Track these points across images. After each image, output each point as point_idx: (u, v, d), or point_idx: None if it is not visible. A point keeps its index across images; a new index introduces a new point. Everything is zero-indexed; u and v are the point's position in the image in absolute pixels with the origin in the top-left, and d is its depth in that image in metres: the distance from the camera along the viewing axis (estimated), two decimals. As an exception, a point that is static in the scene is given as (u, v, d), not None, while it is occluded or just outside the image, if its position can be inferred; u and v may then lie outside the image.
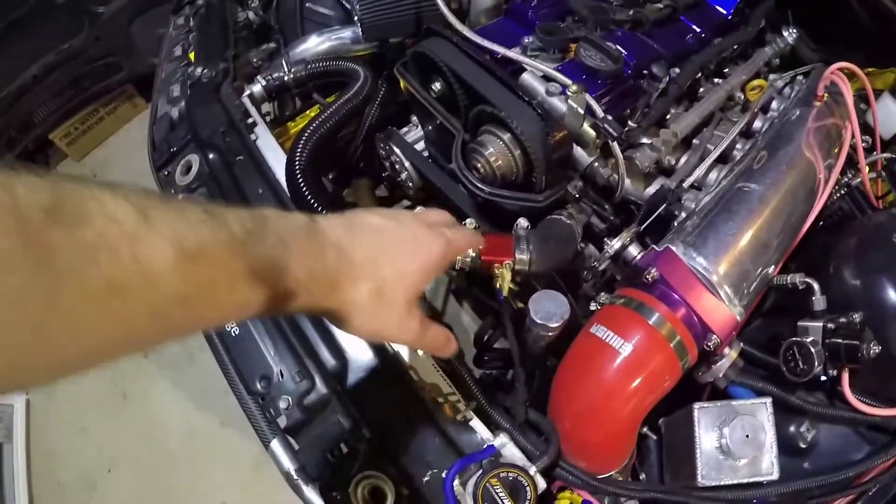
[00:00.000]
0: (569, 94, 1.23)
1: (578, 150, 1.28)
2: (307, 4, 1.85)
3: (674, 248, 1.11)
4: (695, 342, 1.03)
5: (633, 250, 1.17)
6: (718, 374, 1.11)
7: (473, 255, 1.02)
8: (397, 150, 1.51)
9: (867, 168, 1.50)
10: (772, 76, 1.75)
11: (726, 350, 1.10)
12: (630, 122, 1.31)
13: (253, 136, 1.43)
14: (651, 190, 1.33)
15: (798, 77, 1.78)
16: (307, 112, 1.64)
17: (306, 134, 1.34)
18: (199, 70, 1.62)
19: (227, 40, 1.68)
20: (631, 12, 1.54)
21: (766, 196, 1.26)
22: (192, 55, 1.76)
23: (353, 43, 1.72)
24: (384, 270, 0.73)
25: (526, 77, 1.35)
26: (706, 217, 1.20)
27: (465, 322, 2.40)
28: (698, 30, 1.67)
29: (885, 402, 1.13)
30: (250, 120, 1.47)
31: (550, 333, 1.07)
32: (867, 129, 1.64)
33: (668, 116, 1.44)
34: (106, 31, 3.08)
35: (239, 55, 1.75)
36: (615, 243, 1.20)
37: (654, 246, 1.15)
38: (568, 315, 1.04)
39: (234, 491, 2.54)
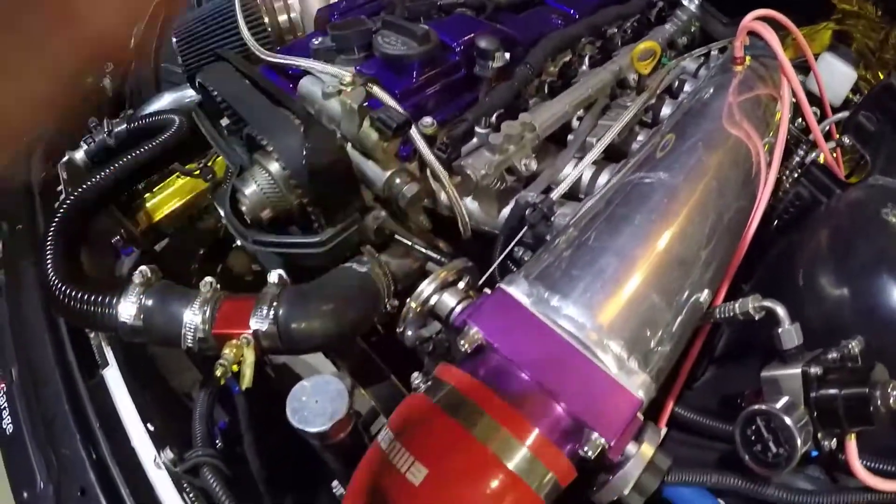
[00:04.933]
0: (342, 88, 0.82)
1: (371, 166, 0.85)
2: (163, 65, 1.78)
3: (511, 291, 0.66)
4: (561, 449, 0.58)
5: (450, 299, 0.72)
6: (624, 490, 0.65)
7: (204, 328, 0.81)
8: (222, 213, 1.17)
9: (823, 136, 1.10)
10: (682, 58, 1.36)
11: (630, 448, 0.63)
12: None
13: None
14: (508, 211, 0.90)
15: (713, 53, 1.40)
16: (167, 181, 1.47)
17: (76, 193, 1.12)
18: None
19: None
20: (467, -5, 1.16)
21: (676, 188, 0.87)
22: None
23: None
24: None
25: (304, 82, 1.02)
26: (581, 235, 0.77)
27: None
28: (571, 11, 1.29)
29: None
30: (59, 188, 1.34)
31: (327, 442, 0.77)
32: (811, 99, 1.26)
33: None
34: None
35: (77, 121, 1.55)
36: (423, 291, 0.75)
37: (486, 290, 0.70)
38: (343, 413, 0.76)
39: None
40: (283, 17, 1.41)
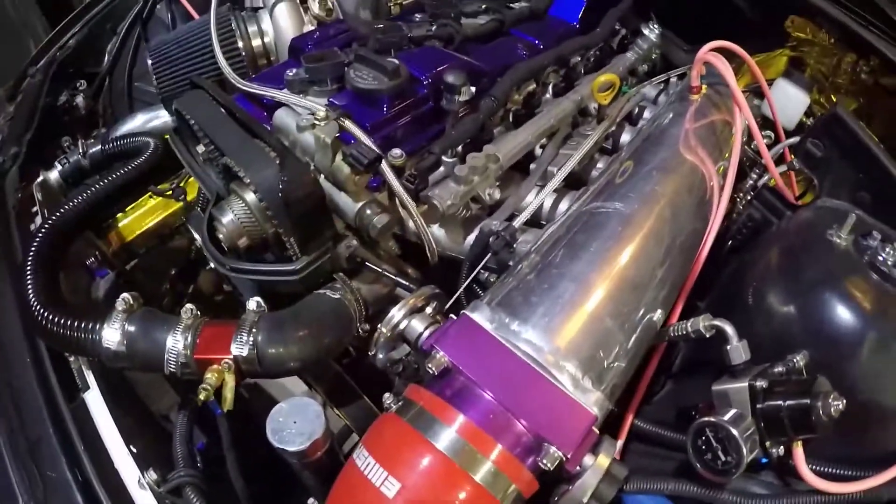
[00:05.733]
0: (316, 122, 0.86)
1: (343, 198, 0.89)
2: (136, 84, 1.78)
3: (475, 317, 0.71)
4: (522, 463, 0.63)
5: (418, 325, 0.76)
6: (582, 499, 0.68)
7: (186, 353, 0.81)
8: (196, 236, 1.21)
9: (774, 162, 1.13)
10: (643, 86, 1.42)
11: (587, 460, 0.67)
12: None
13: (33, 227, 1.23)
14: (472, 238, 0.94)
15: (672, 80, 1.46)
16: (139, 200, 1.46)
17: (54, 217, 1.09)
18: None
19: (29, 123, 1.51)
20: (434, 27, 1.20)
21: (632, 216, 0.91)
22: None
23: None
24: None
25: (279, 114, 1.04)
26: (541, 262, 0.81)
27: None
28: (536, 42, 1.34)
29: (855, 465, 0.83)
30: (34, 209, 1.29)
31: (305, 460, 0.78)
32: (766, 123, 1.32)
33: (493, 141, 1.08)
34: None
35: (50, 139, 1.52)
36: (393, 316, 0.79)
37: (451, 316, 0.75)
38: (321, 433, 0.78)
39: None
40: (256, 42, 1.42)
